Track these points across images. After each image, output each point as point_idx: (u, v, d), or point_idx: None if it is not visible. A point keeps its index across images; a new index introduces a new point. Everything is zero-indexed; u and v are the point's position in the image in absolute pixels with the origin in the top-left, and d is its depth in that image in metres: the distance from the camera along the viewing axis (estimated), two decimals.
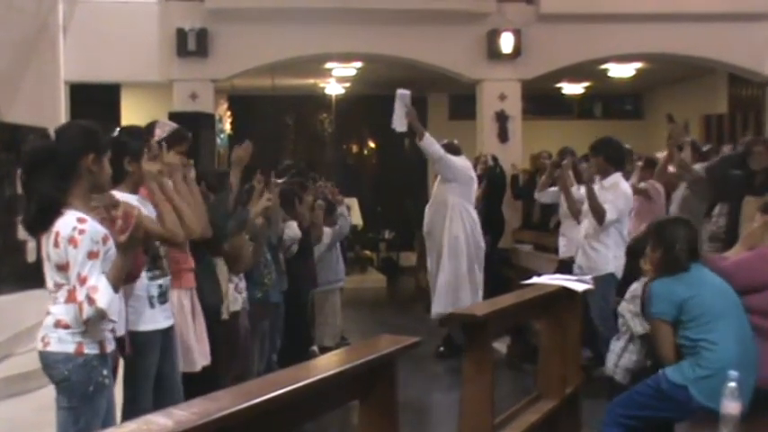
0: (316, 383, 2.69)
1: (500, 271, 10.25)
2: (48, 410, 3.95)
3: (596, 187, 6.93)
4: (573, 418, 5.35)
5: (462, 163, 8.52)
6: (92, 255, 3.36)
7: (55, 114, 10.94)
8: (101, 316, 3.38)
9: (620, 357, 4.73)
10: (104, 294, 3.36)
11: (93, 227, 3.40)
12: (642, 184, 7.97)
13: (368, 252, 16.02)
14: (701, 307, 4.15)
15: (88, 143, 3.49)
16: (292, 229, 6.66)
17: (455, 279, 8.34)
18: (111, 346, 3.54)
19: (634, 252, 4.96)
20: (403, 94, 8.10)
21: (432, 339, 8.36)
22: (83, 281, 3.34)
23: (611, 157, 7.05)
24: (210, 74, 12.24)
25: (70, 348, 3.42)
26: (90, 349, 3.44)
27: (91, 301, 3.34)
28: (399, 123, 8.10)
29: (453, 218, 8.37)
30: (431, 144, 8.20)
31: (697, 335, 4.14)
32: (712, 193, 7.31)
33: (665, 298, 4.22)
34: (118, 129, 4.38)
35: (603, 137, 7.51)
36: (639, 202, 7.59)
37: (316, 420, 4.95)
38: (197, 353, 4.66)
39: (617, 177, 7.03)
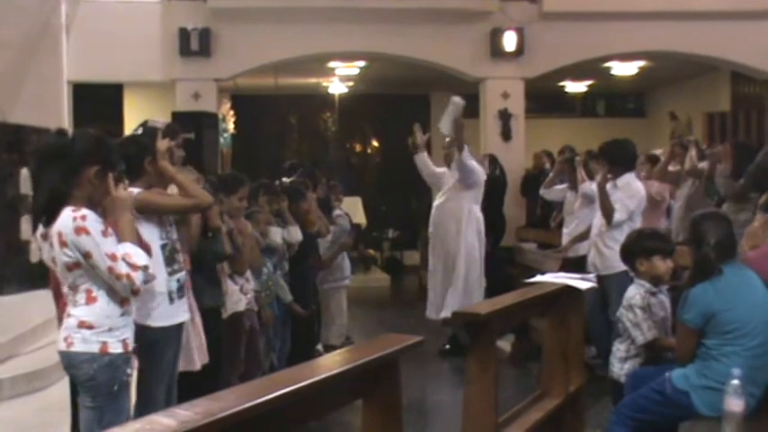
0: (319, 383, 2.68)
1: (503, 270, 10.22)
2: (52, 410, 3.97)
3: (608, 186, 6.90)
4: (577, 417, 5.34)
5: (480, 168, 8.59)
6: (105, 233, 3.40)
7: (58, 114, 10.92)
8: (148, 275, 3.50)
9: (624, 361, 4.69)
10: (138, 254, 3.49)
11: (89, 212, 3.42)
12: (654, 187, 7.97)
13: (371, 251, 15.95)
14: (731, 323, 4.04)
15: (96, 154, 3.50)
16: (293, 234, 6.64)
17: (470, 285, 8.39)
18: (132, 345, 3.58)
19: (628, 252, 4.84)
20: (457, 102, 8.21)
21: (436, 338, 8.35)
22: (113, 257, 3.39)
23: (616, 161, 6.99)
24: (213, 73, 12.18)
25: (95, 348, 3.45)
26: (114, 348, 3.48)
27: (134, 267, 3.43)
28: (446, 127, 8.26)
29: (469, 224, 8.45)
30: (469, 158, 8.31)
31: (713, 343, 4.08)
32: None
33: (698, 307, 4.10)
34: (141, 128, 4.51)
35: (612, 139, 7.45)
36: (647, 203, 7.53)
37: (320, 420, 5.00)
38: (196, 351, 4.68)
39: (629, 177, 7.00)
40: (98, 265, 3.38)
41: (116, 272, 3.39)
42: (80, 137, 3.59)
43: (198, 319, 4.73)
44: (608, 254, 6.80)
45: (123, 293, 3.49)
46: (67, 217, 3.37)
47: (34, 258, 8.47)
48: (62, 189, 3.42)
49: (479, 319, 4.04)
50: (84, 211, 3.39)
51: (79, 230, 3.35)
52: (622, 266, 6.26)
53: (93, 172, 3.46)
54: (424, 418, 6.57)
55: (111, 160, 3.58)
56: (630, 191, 6.91)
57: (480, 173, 8.52)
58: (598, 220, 7.05)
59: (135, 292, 3.50)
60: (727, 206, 7.20)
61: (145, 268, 3.49)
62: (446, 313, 8.20)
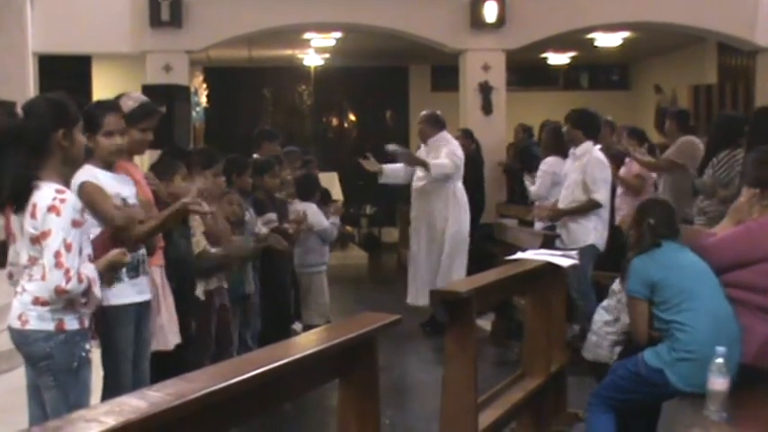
0: (294, 363, 2.68)
1: (483, 247, 10.07)
2: (17, 394, 4.02)
3: (569, 159, 7.18)
4: (558, 396, 5.40)
5: (454, 159, 8.46)
6: (75, 223, 3.37)
7: (23, 88, 10.67)
8: (83, 293, 3.42)
9: (615, 345, 4.68)
10: (91, 270, 3.46)
11: (72, 197, 3.43)
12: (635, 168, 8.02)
13: (349, 228, 15.78)
14: (672, 288, 4.16)
15: (58, 118, 3.47)
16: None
17: (455, 265, 8.41)
18: (88, 321, 3.55)
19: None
20: (392, 150, 8.69)
21: (414, 317, 8.28)
22: (68, 247, 3.34)
23: (577, 124, 7.12)
24: (185, 45, 11.92)
25: (50, 326, 3.42)
26: (71, 325, 3.44)
27: (80, 275, 3.36)
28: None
29: (456, 204, 8.46)
30: (438, 168, 8.27)
31: (668, 316, 4.14)
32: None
33: (640, 277, 4.24)
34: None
35: (582, 107, 7.61)
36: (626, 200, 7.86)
37: (295, 400, 4.98)
38: (169, 331, 4.61)
39: (588, 146, 7.08)
40: (50, 244, 3.33)
41: (61, 260, 3.33)
42: (34, 107, 3.52)
43: (170, 299, 4.64)
44: (574, 228, 6.99)
45: (48, 284, 3.36)
46: (49, 194, 3.36)
47: None
48: (25, 175, 3.38)
49: (460, 297, 4.04)
50: (68, 195, 3.41)
51: (51, 209, 3.34)
52: (588, 240, 6.84)
53: (61, 135, 3.45)
54: (401, 399, 6.48)
55: (72, 116, 3.54)
56: (600, 164, 7.02)
57: (455, 164, 8.42)
58: (566, 194, 7.14)
59: (58, 291, 3.35)
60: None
61: (85, 290, 3.41)
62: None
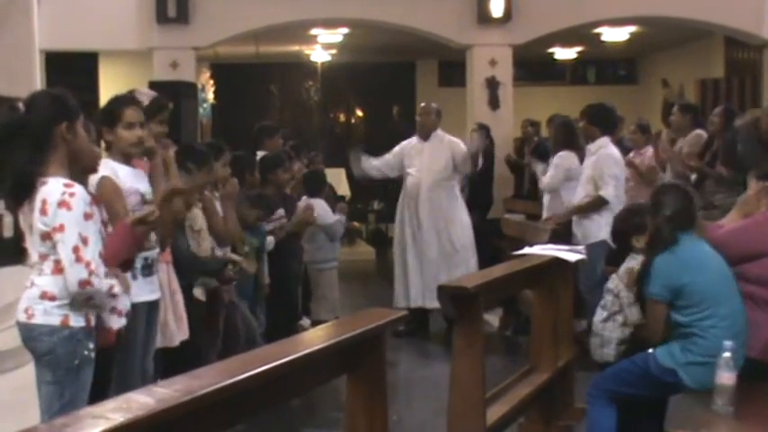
0: (301, 358, 2.68)
1: (491, 242, 10.06)
2: (27, 390, 3.97)
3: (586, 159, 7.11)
4: (566, 391, 5.39)
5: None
6: (87, 216, 3.37)
7: (30, 84, 10.60)
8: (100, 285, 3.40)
9: (619, 344, 4.55)
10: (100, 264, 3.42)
11: (81, 190, 3.42)
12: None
13: (356, 224, 15.78)
14: (697, 294, 4.06)
15: (60, 112, 3.46)
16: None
17: (470, 256, 8.40)
18: (95, 320, 3.51)
19: (621, 232, 4.73)
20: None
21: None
22: (85, 240, 3.34)
23: (594, 120, 7.10)
24: (192, 41, 11.93)
25: (56, 321, 3.40)
26: (76, 322, 3.42)
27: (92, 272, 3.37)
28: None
29: (461, 202, 8.52)
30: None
31: (690, 319, 4.08)
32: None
33: (664, 280, 4.10)
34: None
35: (597, 102, 7.58)
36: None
37: (303, 396, 4.92)
38: (174, 328, 4.61)
39: (603, 141, 7.05)
40: (65, 240, 3.33)
41: (80, 254, 3.33)
42: (36, 101, 3.51)
43: (179, 295, 4.66)
44: (587, 223, 6.99)
45: (71, 278, 3.35)
46: (58, 189, 3.35)
47: (7, 233, 8.28)
48: (28, 169, 3.37)
49: (467, 292, 4.04)
50: (77, 188, 3.39)
51: (62, 204, 3.33)
52: (600, 236, 6.69)
53: (65, 128, 3.43)
54: (409, 394, 6.47)
55: (73, 109, 3.53)
56: (610, 160, 6.99)
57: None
58: (581, 190, 7.13)
59: (83, 283, 3.35)
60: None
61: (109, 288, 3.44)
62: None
